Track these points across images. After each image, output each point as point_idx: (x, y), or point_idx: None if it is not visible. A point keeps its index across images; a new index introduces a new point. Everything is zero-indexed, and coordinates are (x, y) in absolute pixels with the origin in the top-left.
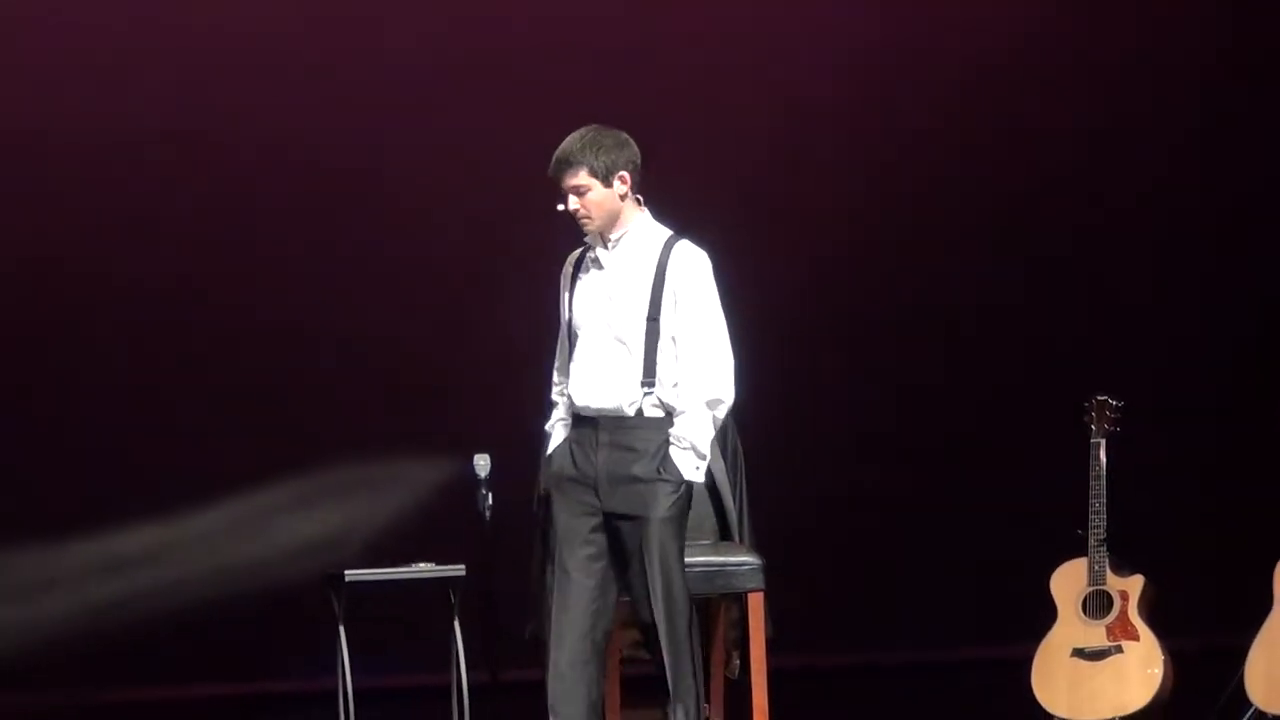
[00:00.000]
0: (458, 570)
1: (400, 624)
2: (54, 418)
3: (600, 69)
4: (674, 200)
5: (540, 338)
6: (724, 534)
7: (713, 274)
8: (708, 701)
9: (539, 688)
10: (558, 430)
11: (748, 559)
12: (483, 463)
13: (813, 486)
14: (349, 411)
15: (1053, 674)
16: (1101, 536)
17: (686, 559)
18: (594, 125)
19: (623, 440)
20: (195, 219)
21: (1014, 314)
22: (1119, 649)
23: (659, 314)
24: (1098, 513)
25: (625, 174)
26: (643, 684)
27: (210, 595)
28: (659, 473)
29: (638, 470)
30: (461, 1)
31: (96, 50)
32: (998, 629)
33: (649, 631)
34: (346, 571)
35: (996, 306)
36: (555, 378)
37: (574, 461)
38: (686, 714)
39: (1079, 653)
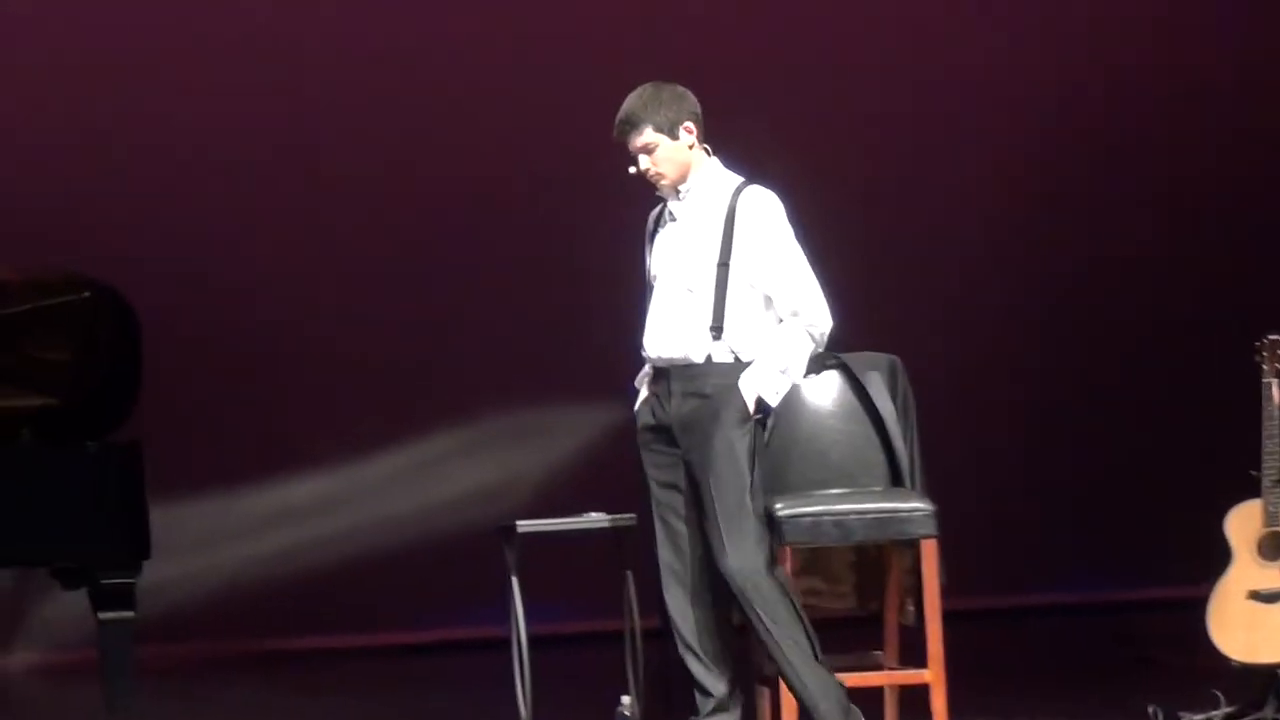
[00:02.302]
0: (629, 519)
1: (572, 572)
2: (225, 374)
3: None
4: None
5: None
6: (895, 480)
7: (784, 213)
8: (882, 649)
9: None
10: (643, 386)
11: (920, 505)
12: None
13: (984, 430)
14: (515, 361)
15: (1228, 617)
16: (1276, 478)
17: (859, 504)
18: (650, 83)
19: (693, 388)
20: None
21: (1186, 256)
22: None
23: (729, 259)
24: (1272, 454)
25: (690, 124)
26: (822, 629)
27: (381, 544)
28: (726, 414)
29: (708, 414)
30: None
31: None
32: (1173, 570)
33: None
34: (519, 522)
35: (1170, 249)
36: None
37: (653, 412)
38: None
39: (1255, 595)
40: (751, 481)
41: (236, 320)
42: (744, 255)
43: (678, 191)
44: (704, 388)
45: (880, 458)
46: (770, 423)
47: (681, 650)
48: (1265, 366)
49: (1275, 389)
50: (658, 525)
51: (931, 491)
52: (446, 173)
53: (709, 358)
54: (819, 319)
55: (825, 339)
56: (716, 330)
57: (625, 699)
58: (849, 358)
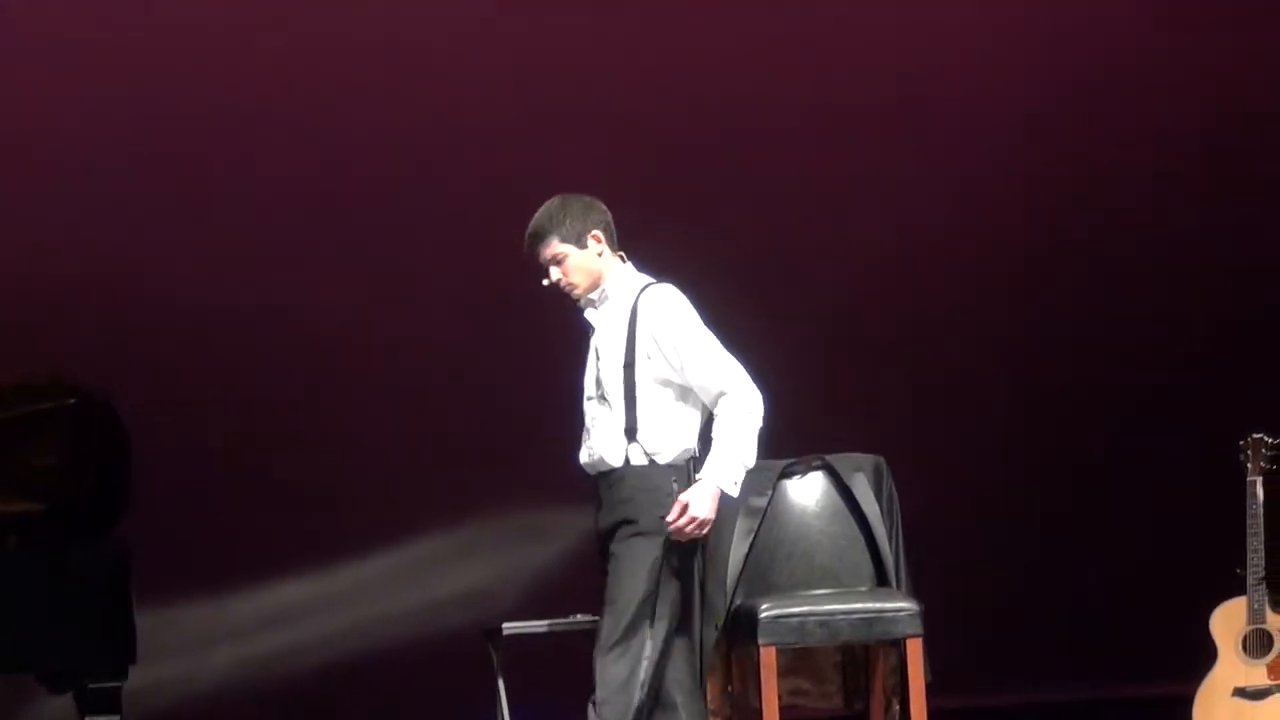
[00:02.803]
0: None
1: (559, 672)
2: (217, 473)
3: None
4: None
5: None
6: (880, 579)
7: (685, 304)
8: None
9: None
10: None
11: (905, 605)
12: None
13: (965, 528)
14: (506, 465)
15: (1214, 714)
16: (1260, 575)
17: (844, 604)
18: (558, 195)
19: (614, 494)
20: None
21: (1169, 352)
22: None
23: (634, 360)
24: (1256, 551)
25: (598, 233)
26: None
27: (371, 647)
28: (639, 517)
29: (626, 514)
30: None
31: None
32: (1158, 668)
33: None
34: (505, 625)
35: (1154, 345)
36: None
37: (595, 522)
38: None
39: (1240, 692)
40: (656, 592)
41: (228, 423)
42: (648, 354)
43: (592, 301)
44: (621, 492)
45: (865, 558)
46: (756, 524)
47: None
48: (1249, 465)
49: (1259, 487)
50: None
51: (916, 591)
52: (444, 276)
53: (626, 460)
54: (746, 392)
55: (760, 410)
56: (630, 433)
57: None
58: (834, 459)
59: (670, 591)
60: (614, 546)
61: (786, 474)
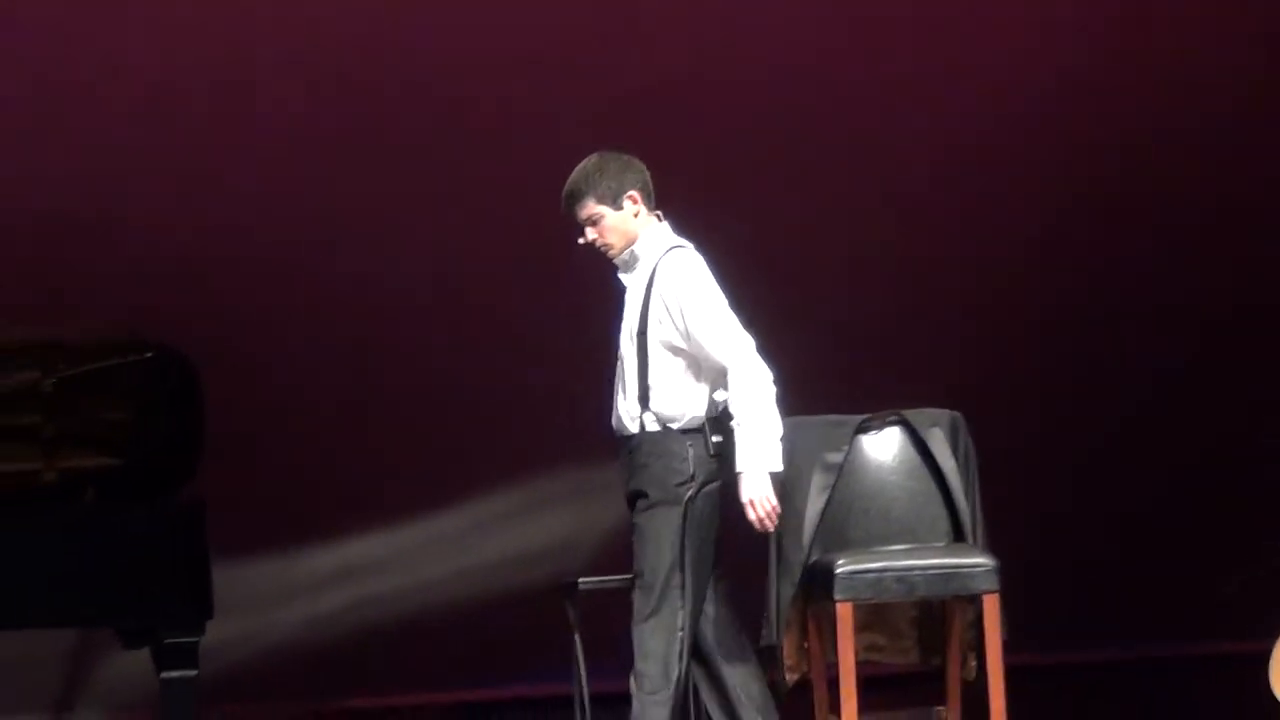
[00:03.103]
0: None
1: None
2: (290, 429)
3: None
4: None
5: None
6: (957, 535)
7: (700, 271)
8: (944, 704)
9: (772, 692)
10: None
11: (982, 560)
12: None
13: (1047, 485)
14: (579, 416)
15: None
16: None
17: (921, 560)
18: (596, 153)
19: (634, 460)
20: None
21: (1259, 316)
22: None
23: (646, 328)
24: None
25: (635, 193)
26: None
27: (442, 602)
28: (654, 487)
29: (642, 484)
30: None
31: None
32: (1234, 624)
33: None
34: (581, 579)
35: (1244, 308)
36: None
37: (625, 484)
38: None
39: None
40: (681, 560)
41: (300, 380)
42: (660, 320)
43: (626, 261)
44: (638, 459)
45: (942, 513)
46: (832, 480)
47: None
48: None
49: None
50: None
51: (993, 547)
52: (515, 236)
53: (642, 427)
54: (750, 368)
55: (768, 382)
56: (644, 400)
57: None
58: (910, 414)
59: (695, 557)
60: (635, 518)
61: (862, 429)
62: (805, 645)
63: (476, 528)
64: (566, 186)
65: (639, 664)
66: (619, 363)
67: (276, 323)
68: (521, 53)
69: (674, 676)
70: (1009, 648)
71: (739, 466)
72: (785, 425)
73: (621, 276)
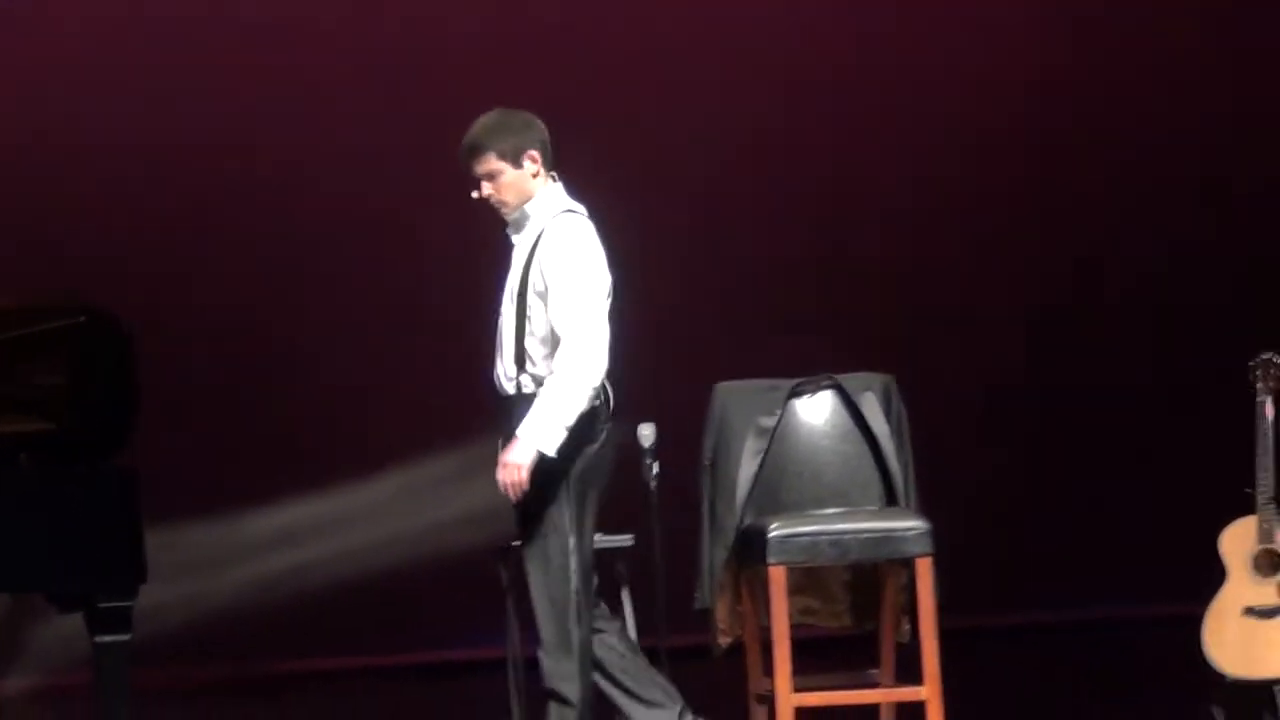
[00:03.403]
0: (625, 541)
1: None
2: (225, 393)
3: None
4: None
5: (695, 307)
6: (890, 499)
7: (583, 240)
8: (878, 667)
9: (705, 655)
10: None
11: (915, 524)
12: (648, 432)
13: (980, 447)
14: None
15: (1224, 632)
16: (1270, 495)
17: (854, 524)
18: (498, 108)
19: (510, 423)
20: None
21: (1183, 271)
22: None
23: (525, 289)
24: (1265, 471)
25: (535, 152)
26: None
27: (380, 566)
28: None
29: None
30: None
31: None
32: (1167, 588)
33: None
34: (513, 543)
35: (1168, 263)
36: None
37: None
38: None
39: (1250, 611)
40: (567, 521)
41: (236, 342)
42: (534, 284)
43: (516, 221)
44: (513, 421)
45: (875, 477)
46: (765, 444)
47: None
48: (1259, 385)
49: (1269, 407)
50: None
51: (926, 510)
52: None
53: (518, 389)
54: (582, 354)
55: (592, 375)
56: (519, 362)
57: None
58: (843, 378)
59: (576, 515)
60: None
61: (796, 393)
62: (738, 609)
63: (410, 493)
64: (467, 138)
65: (538, 622)
66: (499, 322)
67: (209, 285)
68: None
69: (573, 636)
70: (943, 611)
71: (518, 430)
72: (719, 392)
73: (511, 235)
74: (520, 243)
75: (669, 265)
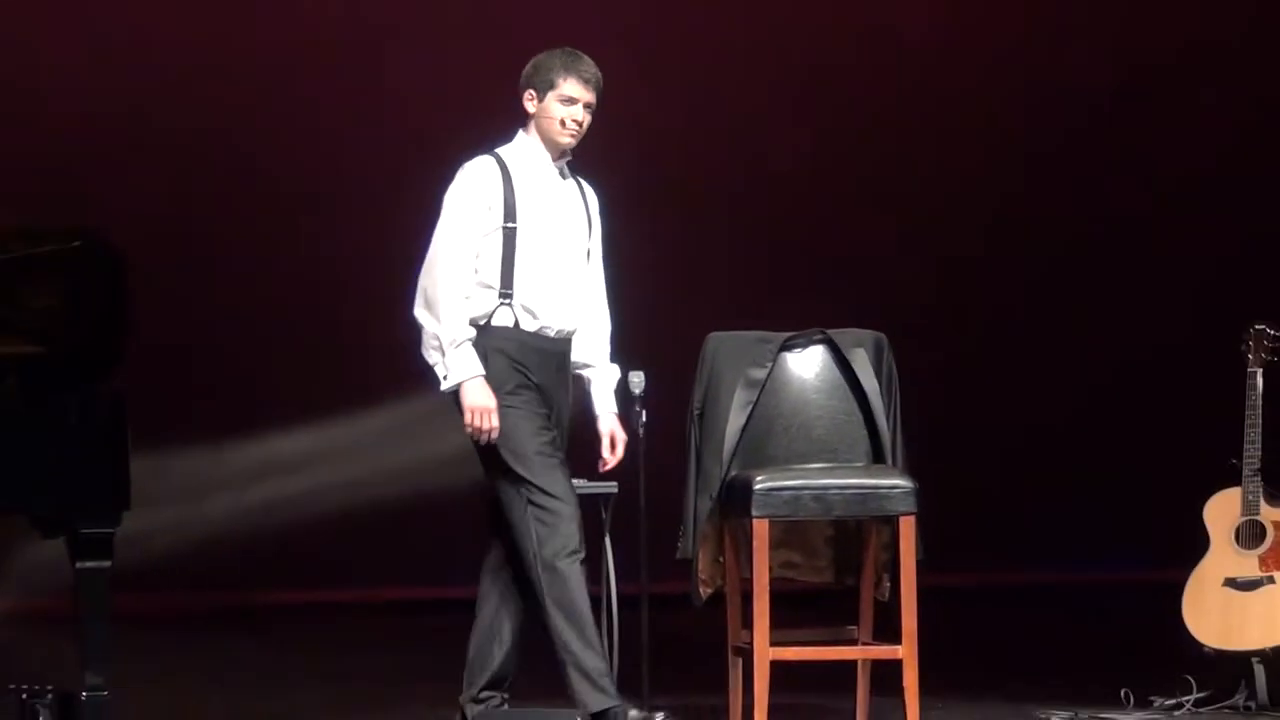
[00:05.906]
0: (610, 487)
1: None
2: (220, 322)
3: None
4: None
5: (681, 257)
6: (877, 456)
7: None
8: (856, 624)
9: (686, 605)
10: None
11: (900, 482)
12: (637, 379)
13: (968, 410)
14: None
15: (1204, 603)
16: (1256, 466)
17: (839, 479)
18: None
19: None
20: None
21: (1175, 243)
22: (1271, 580)
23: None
24: (1253, 442)
25: None
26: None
27: (364, 501)
28: None
29: None
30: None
31: None
32: (1150, 555)
33: None
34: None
35: (1159, 238)
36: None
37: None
38: None
39: (1230, 582)
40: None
41: (227, 271)
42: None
43: (560, 158)
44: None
45: (863, 434)
46: (754, 396)
47: None
48: (1250, 356)
49: (1259, 378)
50: None
51: (912, 469)
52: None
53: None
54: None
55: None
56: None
57: None
58: (835, 333)
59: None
60: None
61: (787, 347)
62: (720, 560)
63: (400, 429)
64: (598, 72)
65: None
66: (544, 258)
67: (207, 215)
68: None
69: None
70: (924, 570)
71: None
72: (710, 342)
73: (559, 165)
74: (562, 181)
75: (666, 213)
